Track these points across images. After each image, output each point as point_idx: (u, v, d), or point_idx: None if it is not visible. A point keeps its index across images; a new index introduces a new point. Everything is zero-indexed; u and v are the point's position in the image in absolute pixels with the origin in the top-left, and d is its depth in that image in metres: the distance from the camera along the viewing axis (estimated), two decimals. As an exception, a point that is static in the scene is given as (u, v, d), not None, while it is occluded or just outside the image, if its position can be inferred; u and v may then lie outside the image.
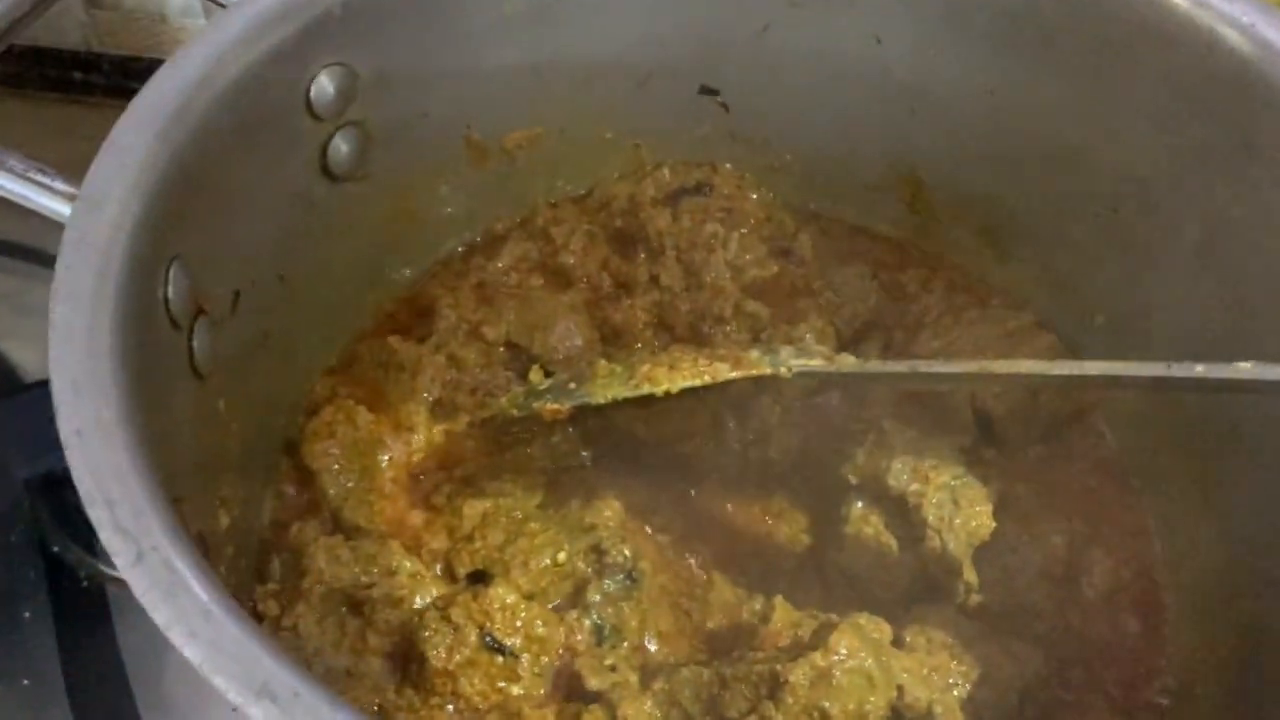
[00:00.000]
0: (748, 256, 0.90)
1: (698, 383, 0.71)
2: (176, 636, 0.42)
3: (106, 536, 0.45)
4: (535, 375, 0.79)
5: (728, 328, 0.85)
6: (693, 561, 0.80)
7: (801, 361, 0.71)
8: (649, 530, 0.80)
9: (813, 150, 0.94)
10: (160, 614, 0.43)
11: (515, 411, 0.76)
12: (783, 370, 0.71)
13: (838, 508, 0.79)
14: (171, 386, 0.62)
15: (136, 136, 0.62)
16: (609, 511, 0.79)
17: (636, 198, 0.93)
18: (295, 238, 0.78)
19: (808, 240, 0.93)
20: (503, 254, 0.91)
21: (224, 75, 0.66)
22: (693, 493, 0.83)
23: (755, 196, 0.94)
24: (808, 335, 0.85)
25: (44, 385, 0.52)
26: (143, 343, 0.57)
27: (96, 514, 0.46)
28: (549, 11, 0.83)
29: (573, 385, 0.74)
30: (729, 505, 0.83)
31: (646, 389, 0.71)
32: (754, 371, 0.71)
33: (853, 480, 0.78)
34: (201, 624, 0.43)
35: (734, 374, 0.71)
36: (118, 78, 1.27)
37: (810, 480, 0.82)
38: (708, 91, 0.92)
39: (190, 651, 0.42)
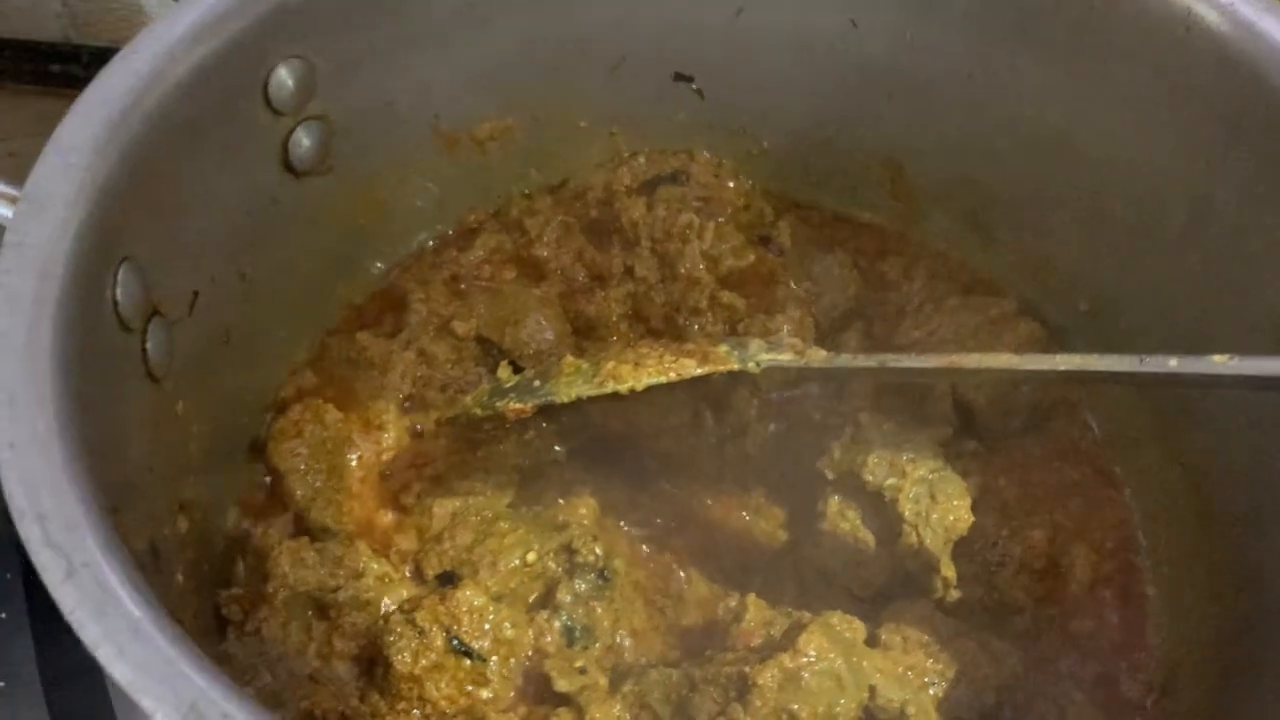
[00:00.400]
0: (724, 246, 0.88)
1: (663, 380, 0.69)
2: (104, 655, 0.41)
3: (36, 552, 0.44)
4: (504, 371, 0.78)
5: (703, 319, 0.84)
6: (669, 558, 0.79)
7: (771, 356, 0.70)
8: (625, 526, 0.79)
9: (790, 136, 0.92)
10: (88, 632, 0.42)
11: (479, 411, 0.74)
12: (751, 365, 0.69)
13: (815, 503, 0.77)
14: (123, 391, 0.60)
15: (82, 135, 0.60)
16: (583, 509, 0.77)
17: (612, 187, 0.91)
18: (257, 234, 0.76)
19: (786, 228, 0.92)
20: (475, 246, 0.89)
21: (175, 70, 0.65)
22: (670, 488, 0.82)
23: (733, 184, 0.93)
24: (785, 327, 0.83)
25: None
26: (89, 348, 0.56)
27: (27, 529, 0.44)
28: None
29: (537, 383, 0.73)
30: (707, 500, 0.82)
31: (611, 387, 0.69)
32: (721, 367, 0.69)
33: (829, 475, 0.76)
34: (129, 642, 0.42)
35: (700, 370, 0.69)
36: (97, 69, 1.25)
37: (788, 475, 0.80)
38: (682, 78, 0.90)
39: (117, 671, 0.41)
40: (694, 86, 0.90)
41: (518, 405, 0.71)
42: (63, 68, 1.29)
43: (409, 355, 0.83)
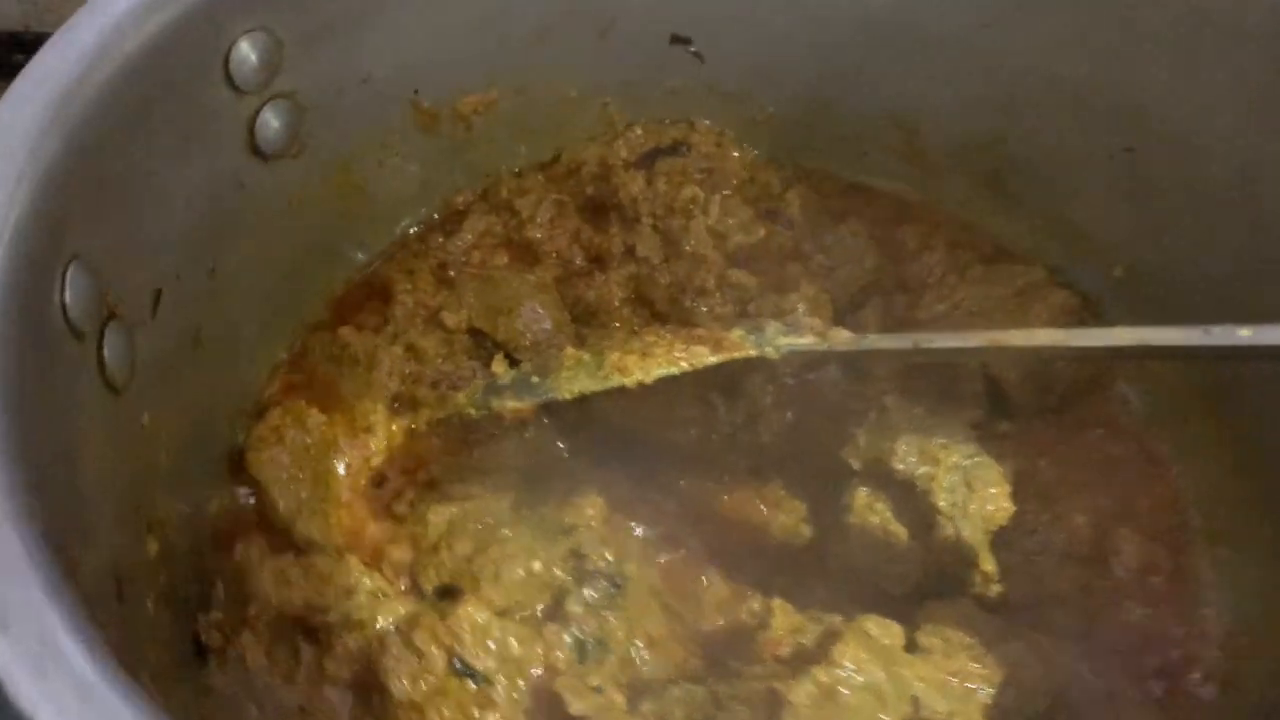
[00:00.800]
0: (731, 221, 0.82)
1: (674, 371, 0.63)
2: (46, 721, 0.35)
3: (-35, 602, 0.38)
4: (499, 366, 0.72)
5: (712, 301, 0.78)
6: (684, 558, 0.73)
7: (790, 340, 0.64)
8: (635, 526, 0.73)
9: (797, 100, 0.85)
10: (24, 694, 0.36)
11: (473, 412, 0.68)
12: (769, 351, 0.64)
13: (839, 495, 0.71)
14: (76, 405, 0.54)
15: (21, 119, 0.54)
16: (591, 509, 0.71)
17: (607, 161, 0.85)
18: (225, 225, 0.70)
19: (796, 199, 0.85)
20: (463, 230, 0.83)
21: (124, 45, 0.58)
22: (681, 483, 0.76)
23: (737, 154, 0.86)
24: (800, 305, 0.77)
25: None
26: (32, 359, 0.50)
27: (-46, 576, 0.38)
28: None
29: (536, 379, 0.67)
30: (722, 495, 0.76)
31: (617, 381, 0.64)
32: (737, 354, 0.63)
33: (855, 464, 0.71)
34: (75, 704, 0.36)
35: (714, 359, 0.63)
36: None
37: (808, 465, 0.74)
38: (679, 40, 0.83)
39: (61, 742, 0.35)
40: (692, 49, 0.84)
41: (515, 404, 0.65)
42: (26, 58, 1.22)
43: (396, 350, 0.77)
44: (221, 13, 0.63)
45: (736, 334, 0.65)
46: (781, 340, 0.64)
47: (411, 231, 0.84)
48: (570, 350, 0.69)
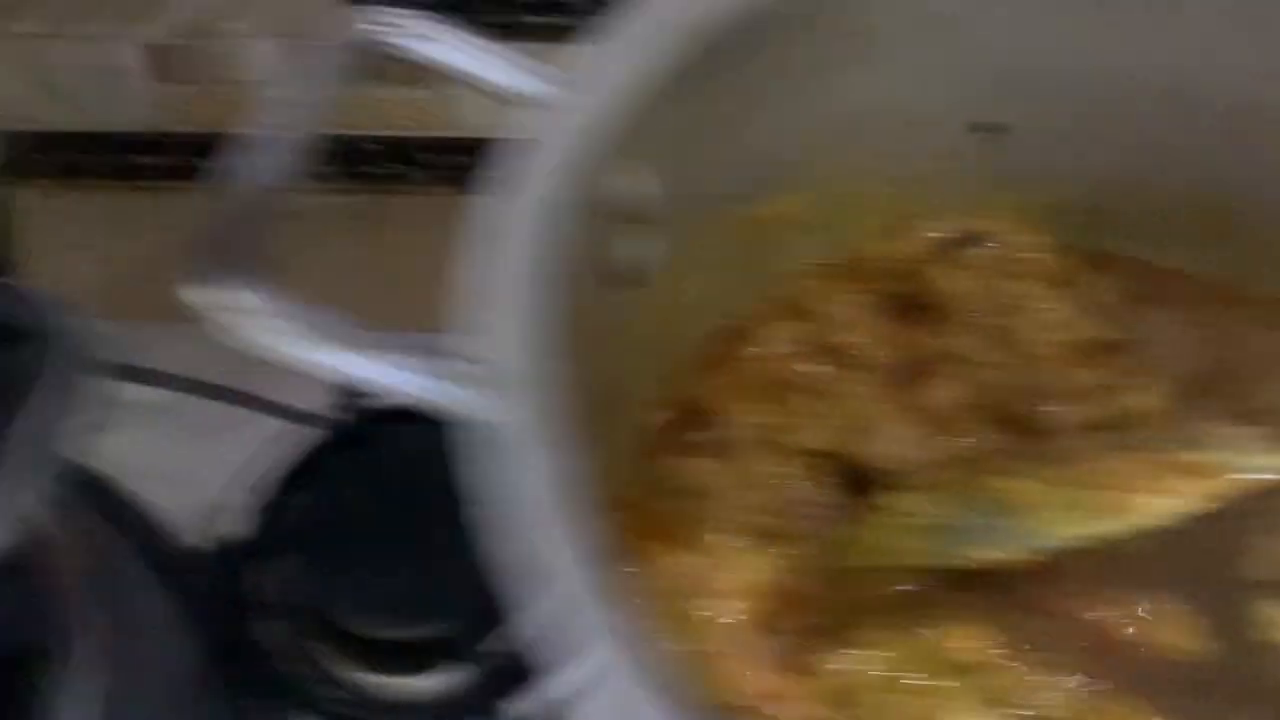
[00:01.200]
0: (1055, 314, 0.78)
1: (1188, 511, 0.58)
2: None
3: None
4: (901, 500, 0.66)
5: (1069, 406, 0.73)
6: (1074, 686, 0.69)
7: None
8: (1024, 657, 0.68)
9: (1100, 184, 0.82)
10: None
11: (934, 562, 0.62)
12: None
13: (1239, 608, 0.67)
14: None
15: (509, 294, 0.51)
16: (976, 642, 0.67)
17: (909, 257, 0.81)
18: (579, 363, 0.65)
19: (1106, 286, 0.82)
20: (771, 339, 0.78)
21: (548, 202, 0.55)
22: (1039, 595, 0.71)
23: (1036, 241, 0.82)
24: (1152, 402, 0.73)
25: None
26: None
27: None
28: (823, 67, 0.71)
29: (1004, 521, 0.61)
30: (1092, 609, 0.71)
31: (1114, 524, 0.58)
32: (1245, 487, 0.58)
33: (1259, 577, 0.67)
34: None
35: (1210, 495, 0.58)
36: (188, 158, 1.16)
37: (1196, 576, 0.70)
38: (983, 128, 0.80)
39: None
40: (996, 135, 0.80)
41: (999, 554, 0.60)
42: (151, 159, 1.20)
43: (737, 478, 0.72)
44: (607, 157, 0.60)
45: (1205, 456, 0.59)
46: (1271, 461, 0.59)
47: (715, 346, 0.79)
48: (1011, 483, 0.63)
